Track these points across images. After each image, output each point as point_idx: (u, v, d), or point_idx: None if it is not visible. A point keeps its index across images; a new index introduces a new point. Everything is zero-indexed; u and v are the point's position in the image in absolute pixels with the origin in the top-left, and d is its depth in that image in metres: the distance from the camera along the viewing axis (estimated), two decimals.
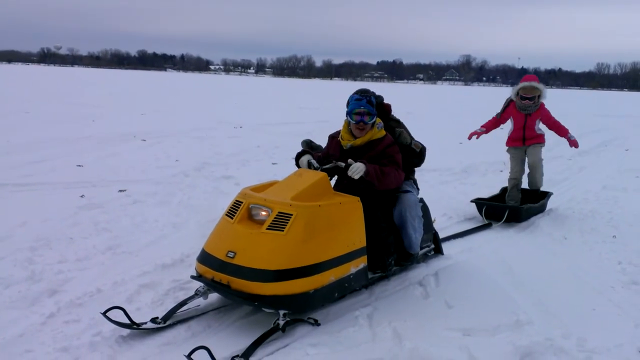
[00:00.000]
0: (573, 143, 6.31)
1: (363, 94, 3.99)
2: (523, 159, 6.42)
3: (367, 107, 3.90)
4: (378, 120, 4.06)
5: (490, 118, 6.54)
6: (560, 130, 6.38)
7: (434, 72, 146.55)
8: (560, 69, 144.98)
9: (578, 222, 6.02)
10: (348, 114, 3.97)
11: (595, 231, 5.62)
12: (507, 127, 6.51)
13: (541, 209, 6.39)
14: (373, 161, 3.89)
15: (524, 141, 6.33)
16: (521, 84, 6.16)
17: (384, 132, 4.07)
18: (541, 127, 6.35)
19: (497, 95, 51.15)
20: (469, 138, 6.48)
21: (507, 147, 6.54)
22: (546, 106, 6.40)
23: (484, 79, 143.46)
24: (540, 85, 6.15)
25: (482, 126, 6.50)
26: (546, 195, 6.56)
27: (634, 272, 4.42)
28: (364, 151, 3.97)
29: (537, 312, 3.64)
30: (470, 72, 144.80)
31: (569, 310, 3.70)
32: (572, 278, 4.31)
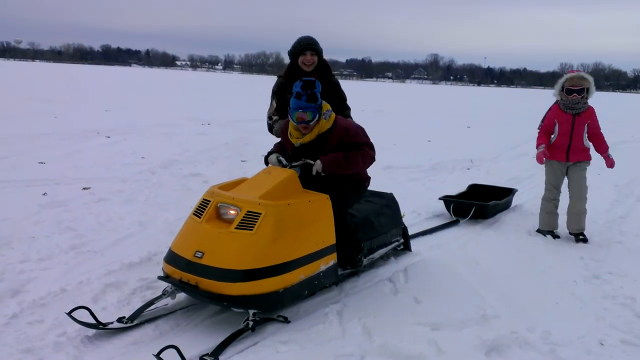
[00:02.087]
0: (610, 163, 5.29)
1: (305, 86, 3.62)
2: (563, 177, 5.36)
3: (308, 109, 3.61)
4: (325, 107, 3.74)
5: (536, 134, 5.51)
6: (602, 145, 5.29)
7: (402, 71, 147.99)
8: (525, 69, 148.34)
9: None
10: (289, 112, 3.71)
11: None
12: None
13: (506, 206, 6.53)
14: (322, 153, 3.74)
15: (569, 153, 5.21)
16: (567, 75, 5.16)
17: (332, 119, 3.78)
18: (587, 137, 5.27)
19: (464, 94, 52.11)
20: (541, 162, 5.39)
21: (545, 160, 5.41)
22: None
23: (451, 77, 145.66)
24: (589, 77, 5.15)
25: (540, 144, 5.34)
26: (511, 192, 6.70)
27: (595, 267, 4.55)
28: (316, 147, 3.76)
29: (502, 306, 3.71)
30: (438, 71, 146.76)
31: (533, 304, 3.79)
32: (536, 273, 4.42)
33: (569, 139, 5.17)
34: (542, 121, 5.58)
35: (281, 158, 3.84)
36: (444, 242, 5.20)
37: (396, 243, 4.60)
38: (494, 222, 6.01)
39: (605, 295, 3.99)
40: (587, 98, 5.15)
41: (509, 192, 6.68)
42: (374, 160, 3.91)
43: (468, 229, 5.73)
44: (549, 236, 5.34)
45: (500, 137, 14.25)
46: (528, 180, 8.49)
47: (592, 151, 5.30)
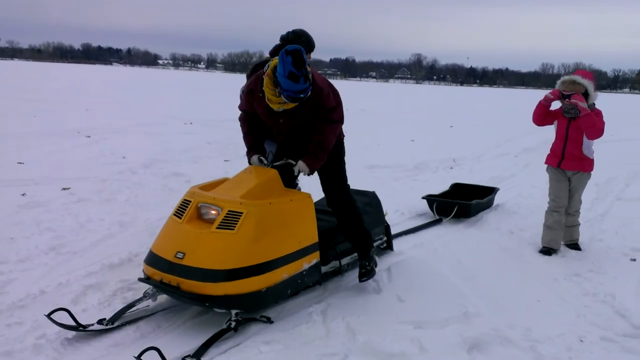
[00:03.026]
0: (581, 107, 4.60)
1: (297, 62, 3.24)
2: (566, 186, 4.91)
3: (305, 91, 3.35)
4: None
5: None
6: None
7: (386, 70, 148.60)
8: (507, 69, 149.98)
9: (524, 216, 6.23)
10: (277, 84, 3.32)
11: (540, 225, 5.81)
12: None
13: (489, 205, 6.58)
14: (307, 121, 3.59)
15: (562, 160, 4.84)
16: (562, 78, 4.81)
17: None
18: (590, 145, 4.82)
19: (447, 94, 52.49)
20: (548, 100, 4.83)
21: (546, 166, 5.11)
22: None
23: (435, 77, 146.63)
24: (585, 81, 4.65)
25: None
26: (493, 190, 6.76)
27: (576, 265, 4.61)
28: (297, 113, 3.55)
29: (484, 304, 3.74)
30: (421, 70, 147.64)
31: (515, 301, 3.83)
32: (518, 271, 4.46)
33: (563, 144, 4.84)
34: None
35: (262, 158, 3.78)
36: (427, 241, 5.23)
37: (379, 241, 4.61)
38: (476, 220, 6.06)
39: (586, 292, 4.04)
40: (586, 103, 4.66)
41: (491, 191, 6.74)
42: (339, 129, 3.73)
43: (451, 228, 5.76)
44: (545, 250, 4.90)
45: (483, 136, 14.37)
46: (510, 179, 8.57)
47: (604, 165, 4.98)
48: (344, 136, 3.99)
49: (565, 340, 3.29)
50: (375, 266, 4.03)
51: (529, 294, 3.99)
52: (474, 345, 3.16)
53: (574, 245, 5.05)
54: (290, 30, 4.39)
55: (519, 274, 4.40)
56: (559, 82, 4.81)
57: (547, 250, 4.88)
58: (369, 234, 4.05)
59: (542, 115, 4.92)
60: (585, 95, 4.69)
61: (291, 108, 3.48)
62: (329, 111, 3.60)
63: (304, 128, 3.67)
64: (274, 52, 4.38)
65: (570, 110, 4.72)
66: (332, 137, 3.65)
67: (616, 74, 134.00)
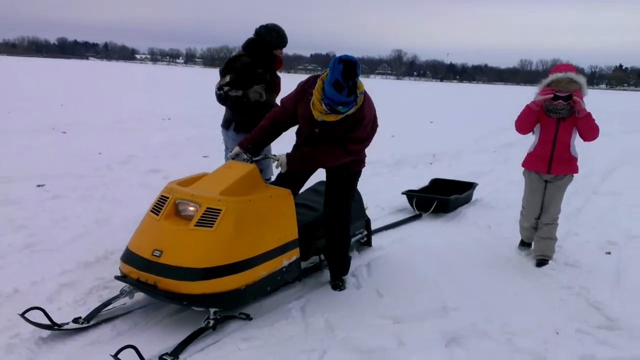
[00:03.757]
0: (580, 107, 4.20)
1: (347, 75, 3.15)
2: (542, 195, 4.56)
3: (347, 106, 3.27)
4: (360, 88, 3.33)
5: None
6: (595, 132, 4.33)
7: (366, 66, 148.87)
8: (486, 65, 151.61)
9: (502, 211, 6.30)
10: (324, 90, 3.25)
11: (518, 220, 5.89)
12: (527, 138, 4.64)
13: (467, 200, 6.64)
14: (338, 137, 3.49)
15: (551, 165, 4.41)
16: (552, 76, 4.22)
17: (361, 102, 3.41)
18: (577, 144, 4.42)
19: (427, 90, 52.81)
20: (536, 105, 4.30)
21: (523, 169, 4.67)
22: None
23: (415, 73, 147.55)
24: (580, 78, 4.20)
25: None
26: (472, 186, 6.82)
27: (552, 261, 4.66)
28: (337, 126, 3.47)
29: (463, 298, 3.77)
30: (401, 66, 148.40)
31: (492, 295, 3.87)
32: (495, 265, 4.51)
33: (551, 147, 4.35)
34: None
35: (244, 151, 3.70)
36: (407, 236, 5.25)
37: (360, 235, 4.61)
38: (455, 215, 6.10)
39: (562, 285, 4.10)
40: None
41: (469, 187, 6.80)
42: (344, 159, 3.61)
43: (430, 223, 5.80)
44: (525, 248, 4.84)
45: (462, 132, 14.49)
46: (488, 174, 8.66)
47: (580, 160, 4.51)
48: (364, 165, 3.93)
49: (542, 333, 3.33)
50: (345, 283, 3.95)
51: (506, 288, 4.03)
52: (452, 339, 3.19)
53: (543, 262, 4.50)
54: (264, 24, 4.37)
55: (496, 268, 4.44)
56: (548, 80, 4.23)
57: (529, 244, 4.85)
58: (350, 261, 4.02)
59: (532, 123, 4.37)
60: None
61: (330, 121, 3.43)
62: (353, 140, 3.52)
63: None
64: (246, 46, 4.37)
65: (560, 111, 4.26)
66: (333, 161, 3.59)
67: (593, 70, 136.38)
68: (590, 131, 4.29)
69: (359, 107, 3.40)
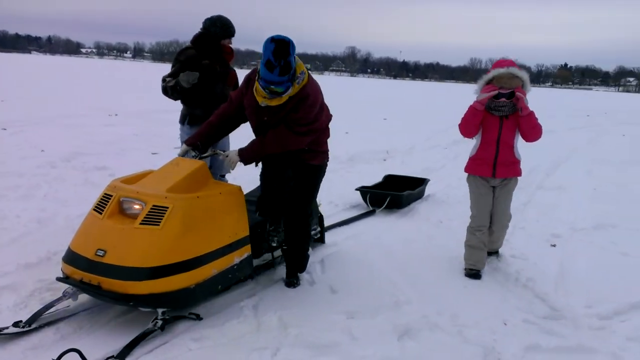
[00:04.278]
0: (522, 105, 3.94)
1: (278, 53, 3.11)
2: (491, 199, 4.24)
3: (280, 85, 3.20)
4: (300, 68, 3.31)
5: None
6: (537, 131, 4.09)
7: (321, 63, 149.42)
8: (438, 63, 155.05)
9: (453, 206, 6.43)
10: (259, 73, 3.23)
11: (468, 214, 5.98)
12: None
13: (420, 195, 6.74)
14: (287, 119, 3.42)
15: (496, 167, 4.11)
16: (494, 71, 3.94)
17: (305, 81, 3.37)
18: (520, 146, 4.18)
19: (380, 87, 53.42)
20: (479, 106, 4.01)
21: (467, 175, 4.34)
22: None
23: (369, 70, 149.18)
24: (523, 74, 3.95)
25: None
26: (424, 182, 6.92)
27: (500, 252, 4.79)
28: (282, 109, 3.40)
29: (414, 292, 3.82)
30: (355, 63, 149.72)
31: (443, 289, 3.93)
32: (446, 259, 4.58)
33: (495, 148, 4.07)
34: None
35: (189, 149, 3.60)
36: (360, 232, 5.27)
37: (313, 232, 4.59)
38: (408, 211, 6.18)
39: (509, 278, 4.21)
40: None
41: (422, 182, 6.90)
42: (297, 144, 3.51)
43: (383, 219, 5.85)
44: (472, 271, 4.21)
45: (415, 129, 14.73)
46: (440, 170, 8.83)
47: (525, 156, 4.35)
48: (328, 160, 3.87)
49: (490, 324, 3.41)
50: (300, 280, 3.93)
51: (456, 282, 4.11)
52: (404, 332, 3.22)
53: (494, 253, 4.60)
54: (209, 17, 4.34)
55: (446, 262, 4.51)
56: (489, 76, 3.97)
57: (474, 273, 4.17)
58: (308, 259, 3.99)
59: (478, 125, 4.07)
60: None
61: (274, 106, 3.35)
62: (298, 121, 3.42)
63: None
64: (194, 39, 4.32)
65: (502, 108, 3.98)
66: (283, 144, 3.46)
67: (539, 68, 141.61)
68: (532, 131, 4.02)
69: (301, 87, 3.35)
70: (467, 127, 4.11)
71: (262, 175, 3.90)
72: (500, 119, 4.03)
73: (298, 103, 3.38)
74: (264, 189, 3.90)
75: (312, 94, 3.42)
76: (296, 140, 3.50)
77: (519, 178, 4.29)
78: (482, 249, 4.22)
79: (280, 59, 3.11)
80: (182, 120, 4.42)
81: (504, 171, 4.14)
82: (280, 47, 3.12)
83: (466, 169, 4.30)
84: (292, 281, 3.85)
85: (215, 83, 4.29)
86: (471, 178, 4.28)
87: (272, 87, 3.19)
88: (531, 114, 3.99)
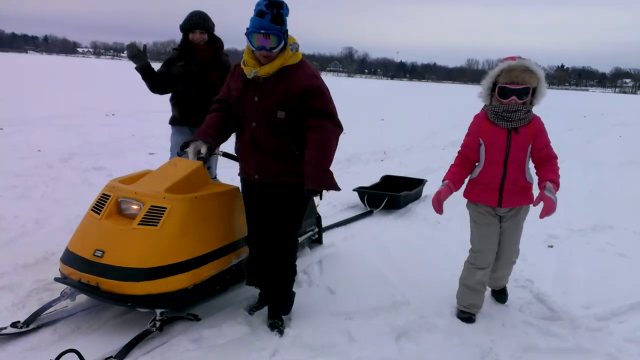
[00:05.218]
0: (548, 206, 3.12)
1: (271, 4, 2.85)
2: (497, 233, 3.41)
3: (272, 31, 2.83)
4: (292, 39, 2.99)
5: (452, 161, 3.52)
6: (550, 174, 3.22)
7: (318, 63, 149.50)
8: (435, 64, 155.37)
9: (450, 207, 6.34)
10: (247, 33, 2.89)
11: (465, 215, 5.97)
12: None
13: (417, 196, 6.75)
14: (289, 101, 2.95)
15: (502, 194, 3.28)
16: (503, 64, 3.12)
17: (300, 56, 3.03)
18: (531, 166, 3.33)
19: (378, 87, 53.45)
20: (438, 209, 3.34)
21: (467, 201, 3.53)
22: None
23: (366, 71, 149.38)
24: (539, 69, 3.12)
25: (446, 179, 3.41)
26: (422, 182, 6.93)
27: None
28: (275, 83, 2.96)
29: (412, 292, 3.82)
30: (352, 64, 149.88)
31: (440, 289, 3.92)
32: (444, 259, 4.59)
33: (502, 170, 3.22)
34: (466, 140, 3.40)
35: (202, 150, 3.12)
36: (358, 233, 5.28)
37: (311, 232, 4.59)
38: (405, 211, 6.18)
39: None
40: (532, 103, 3.18)
41: (419, 183, 6.91)
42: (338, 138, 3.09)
43: (381, 219, 5.85)
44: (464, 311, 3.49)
45: (412, 129, 14.75)
46: (437, 171, 8.82)
47: (535, 187, 3.32)
48: None
49: (488, 325, 3.41)
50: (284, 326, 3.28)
51: (454, 282, 4.09)
52: (402, 333, 3.22)
53: (501, 291, 3.79)
54: None
55: (444, 262, 4.52)
56: (496, 70, 3.14)
57: (467, 317, 3.44)
58: (293, 298, 3.36)
59: (466, 175, 3.45)
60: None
61: (266, 75, 2.93)
62: (331, 113, 2.99)
63: (286, 123, 3.00)
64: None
65: (512, 115, 3.10)
66: (334, 142, 2.99)
67: None
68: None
69: (301, 60, 3.03)
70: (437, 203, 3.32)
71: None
72: (508, 132, 3.17)
73: (312, 84, 2.97)
74: (250, 230, 3.34)
75: (318, 76, 3.08)
76: (337, 133, 3.05)
77: (531, 206, 3.40)
78: (481, 290, 3.47)
79: (273, 8, 2.85)
80: (170, 121, 4.45)
81: (513, 199, 3.30)
82: (274, 0, 2.87)
83: (465, 194, 3.47)
84: (275, 323, 3.23)
85: (191, 85, 4.20)
86: (472, 206, 3.48)
87: (261, 32, 2.83)
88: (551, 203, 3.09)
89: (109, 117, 13.17)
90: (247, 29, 2.88)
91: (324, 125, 2.97)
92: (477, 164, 3.37)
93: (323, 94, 3.00)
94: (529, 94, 3.09)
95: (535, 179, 3.33)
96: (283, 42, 2.91)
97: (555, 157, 3.26)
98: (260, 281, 3.41)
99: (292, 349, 2.98)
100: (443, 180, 3.38)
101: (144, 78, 4.16)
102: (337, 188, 3.00)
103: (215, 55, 4.27)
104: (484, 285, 3.50)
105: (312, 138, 2.95)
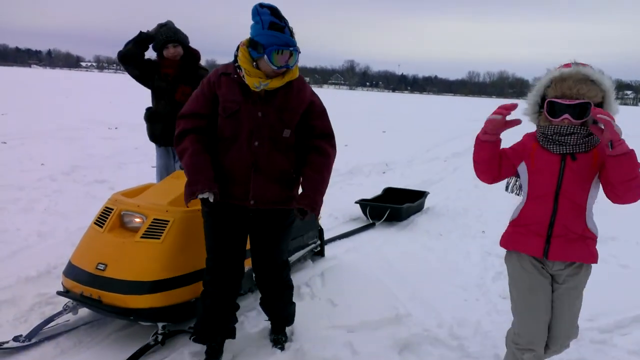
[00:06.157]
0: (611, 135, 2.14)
1: (279, 16, 2.58)
2: (549, 298, 2.48)
3: (295, 46, 2.60)
4: None
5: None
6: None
7: (320, 76, 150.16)
8: (436, 76, 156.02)
9: (452, 219, 6.43)
10: (264, 49, 2.55)
11: (467, 227, 6.02)
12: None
13: (419, 208, 6.74)
14: (295, 119, 2.77)
15: (549, 242, 2.38)
16: (554, 72, 2.32)
17: (298, 71, 2.81)
18: (596, 210, 2.49)
19: (379, 100, 53.54)
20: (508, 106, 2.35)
21: (505, 253, 2.61)
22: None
23: (367, 83, 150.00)
24: (605, 78, 2.28)
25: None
26: (424, 194, 6.94)
27: (500, 265, 4.78)
28: (283, 99, 2.74)
29: (415, 305, 3.81)
30: (354, 77, 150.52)
31: (443, 301, 3.92)
32: (446, 271, 4.58)
33: (551, 206, 2.36)
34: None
35: (211, 199, 2.75)
36: (360, 245, 5.27)
37: (313, 245, 4.59)
38: (407, 224, 6.18)
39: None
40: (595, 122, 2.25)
41: (421, 195, 6.91)
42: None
43: (383, 232, 5.84)
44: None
45: (414, 141, 14.78)
46: (439, 183, 8.84)
47: (600, 241, 2.55)
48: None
49: (491, 338, 3.39)
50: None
51: (456, 294, 4.10)
52: (405, 346, 3.21)
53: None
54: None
55: (446, 274, 4.51)
56: (545, 79, 2.35)
57: None
58: (294, 308, 3.29)
59: (492, 163, 2.43)
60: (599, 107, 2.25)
61: (275, 89, 2.69)
62: (330, 127, 2.90)
63: (291, 143, 2.82)
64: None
65: (567, 139, 2.28)
66: (332, 166, 2.94)
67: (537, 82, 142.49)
68: (632, 184, 2.21)
69: (297, 74, 2.79)
70: (482, 167, 2.48)
71: (216, 238, 2.88)
72: (561, 158, 2.33)
73: (312, 106, 2.84)
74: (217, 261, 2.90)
75: (315, 94, 2.94)
76: (335, 156, 2.97)
77: (593, 266, 2.54)
78: None
79: (282, 19, 2.59)
80: (149, 137, 4.53)
81: (565, 249, 2.39)
82: (275, 10, 2.61)
83: (502, 242, 2.58)
84: (279, 339, 3.18)
85: (158, 101, 4.18)
86: (511, 259, 2.55)
87: (287, 51, 2.57)
88: (631, 153, 2.18)
89: (111, 130, 13.23)
90: (263, 44, 2.55)
91: (326, 148, 2.87)
92: (519, 203, 2.52)
93: (324, 112, 2.91)
94: (588, 111, 2.24)
95: (601, 233, 2.54)
96: (298, 58, 2.69)
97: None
98: (218, 332, 2.93)
99: None
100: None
101: (135, 40, 4.11)
102: (318, 213, 2.86)
103: (183, 70, 4.11)
104: None
105: (315, 161, 2.83)
